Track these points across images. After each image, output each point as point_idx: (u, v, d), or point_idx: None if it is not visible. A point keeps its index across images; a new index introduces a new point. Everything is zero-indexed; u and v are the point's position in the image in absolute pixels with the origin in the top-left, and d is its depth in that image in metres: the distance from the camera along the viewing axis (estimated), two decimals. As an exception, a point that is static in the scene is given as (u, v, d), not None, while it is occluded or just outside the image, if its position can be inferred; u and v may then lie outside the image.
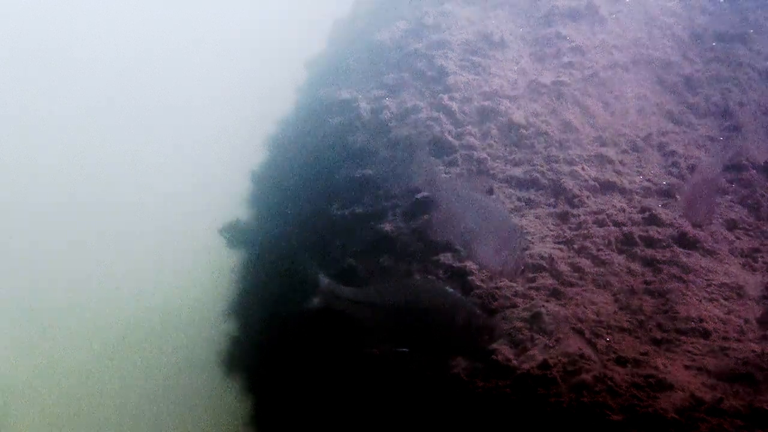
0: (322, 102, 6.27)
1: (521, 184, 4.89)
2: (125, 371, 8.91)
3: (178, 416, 8.22)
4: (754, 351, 3.57)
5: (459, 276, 4.22)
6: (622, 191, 4.86)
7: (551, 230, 4.49)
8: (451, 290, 3.06)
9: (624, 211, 4.67)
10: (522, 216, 4.60)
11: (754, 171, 5.15)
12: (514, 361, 3.58)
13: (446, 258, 4.33)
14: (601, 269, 4.20)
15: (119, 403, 8.63)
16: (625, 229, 4.49)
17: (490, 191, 4.75)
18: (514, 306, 3.92)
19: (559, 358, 3.51)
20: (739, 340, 3.71)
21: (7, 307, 9.34)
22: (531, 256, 4.26)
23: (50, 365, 8.96)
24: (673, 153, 5.22)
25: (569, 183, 4.82)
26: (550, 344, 3.63)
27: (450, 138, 5.22)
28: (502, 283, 4.07)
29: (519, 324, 3.80)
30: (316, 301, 3.00)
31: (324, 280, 3.03)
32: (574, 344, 3.62)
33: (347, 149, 5.63)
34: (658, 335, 3.74)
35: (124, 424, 8.48)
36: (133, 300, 9.39)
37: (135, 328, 9.12)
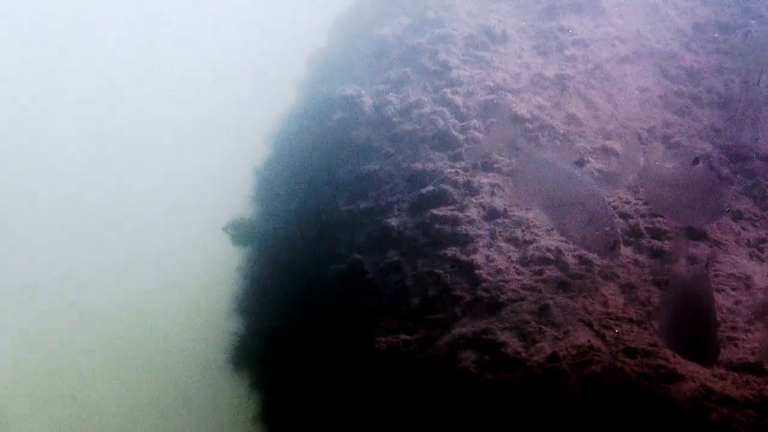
0: (324, 98, 6.26)
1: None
2: (129, 371, 8.92)
3: (183, 415, 8.24)
4: (763, 340, 3.57)
5: (466, 269, 4.23)
6: (628, 183, 4.85)
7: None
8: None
9: (630, 203, 4.67)
10: (528, 209, 4.59)
11: (759, 161, 5.15)
12: (524, 354, 3.59)
13: (453, 251, 4.34)
14: (608, 261, 4.20)
15: (122, 403, 8.64)
16: (631, 220, 4.49)
17: (581, 163, 4.77)
18: (522, 299, 3.93)
19: (569, 350, 3.52)
20: (747, 330, 3.71)
21: (9, 306, 9.35)
22: (538, 249, 4.27)
23: (52, 365, 8.96)
24: (677, 144, 5.22)
25: (575, 175, 4.81)
26: (559, 336, 3.64)
27: (454, 132, 5.22)
28: (509, 276, 4.08)
29: (527, 317, 3.80)
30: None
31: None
32: (583, 336, 3.62)
33: (351, 145, 5.63)
34: (667, 326, 3.74)
35: (128, 425, 8.49)
36: (138, 298, 9.40)
37: (139, 326, 9.13)
